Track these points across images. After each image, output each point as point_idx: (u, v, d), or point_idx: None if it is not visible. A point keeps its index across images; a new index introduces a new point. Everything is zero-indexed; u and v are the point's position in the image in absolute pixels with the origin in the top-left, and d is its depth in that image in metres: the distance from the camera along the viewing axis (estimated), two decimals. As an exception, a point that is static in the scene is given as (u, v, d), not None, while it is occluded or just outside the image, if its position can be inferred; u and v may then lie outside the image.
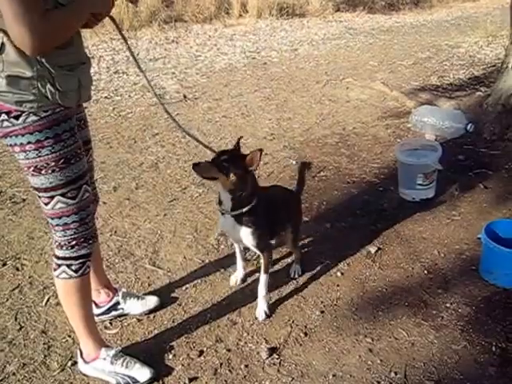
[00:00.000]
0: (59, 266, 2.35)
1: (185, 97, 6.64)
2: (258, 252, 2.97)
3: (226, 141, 5.29)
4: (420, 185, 3.88)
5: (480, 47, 8.01)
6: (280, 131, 5.43)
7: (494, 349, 2.67)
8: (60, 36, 1.99)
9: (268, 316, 2.96)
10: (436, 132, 4.87)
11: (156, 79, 7.30)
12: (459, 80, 6.39)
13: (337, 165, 4.62)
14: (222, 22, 10.69)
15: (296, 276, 3.27)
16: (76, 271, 2.35)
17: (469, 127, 4.79)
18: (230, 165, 2.63)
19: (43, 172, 2.13)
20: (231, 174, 2.63)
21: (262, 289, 2.99)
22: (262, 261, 2.97)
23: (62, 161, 2.14)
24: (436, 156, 3.85)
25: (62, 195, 2.19)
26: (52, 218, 2.26)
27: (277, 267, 3.36)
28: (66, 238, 2.28)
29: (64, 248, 2.31)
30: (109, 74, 7.44)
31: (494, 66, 6.63)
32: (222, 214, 2.85)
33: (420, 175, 3.83)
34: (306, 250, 3.50)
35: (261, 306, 2.98)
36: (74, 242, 2.29)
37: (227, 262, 3.39)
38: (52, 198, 2.19)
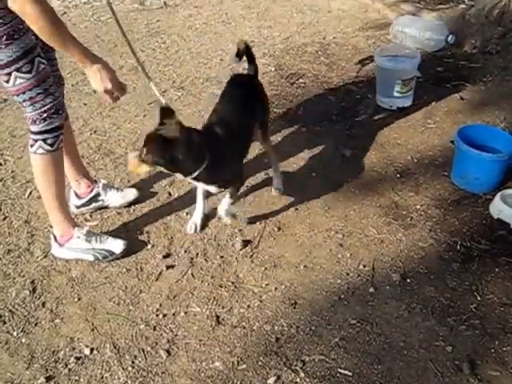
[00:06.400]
0: (36, 141, 2.46)
1: (165, 4, 6.48)
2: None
3: (206, 47, 5.23)
4: (398, 92, 3.88)
5: (467, -39, 7.86)
6: (260, 39, 5.36)
7: (458, 247, 2.79)
8: (40, 25, 2.12)
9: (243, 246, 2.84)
10: (416, 44, 4.82)
11: (136, -13, 7.12)
12: (443, -7, 6.31)
13: (316, 73, 4.60)
14: None
15: (278, 192, 3.18)
16: (52, 145, 2.46)
17: (449, 39, 4.75)
18: (155, 156, 2.39)
19: None
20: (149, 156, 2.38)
21: (223, 204, 2.81)
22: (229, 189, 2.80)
23: (4, 38, 2.20)
24: (415, 62, 3.85)
25: (18, 70, 2.27)
26: (17, 95, 2.35)
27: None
28: (36, 111, 2.38)
29: (37, 122, 2.40)
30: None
31: (479, -20, 6.51)
32: None
33: (398, 81, 3.82)
34: (280, 152, 3.52)
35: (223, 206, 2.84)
36: (45, 115, 2.39)
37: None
38: (9, 74, 2.28)
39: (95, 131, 3.88)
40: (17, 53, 2.24)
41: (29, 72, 2.29)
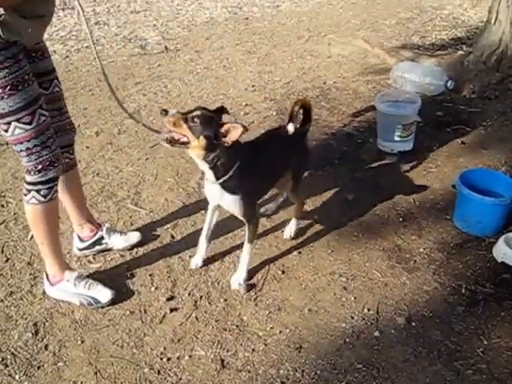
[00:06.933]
0: (29, 191, 2.46)
1: (166, 48, 6.59)
2: (244, 220, 2.77)
3: (207, 91, 5.30)
4: (399, 136, 3.93)
5: (464, 9, 7.91)
6: (261, 83, 5.44)
7: (463, 291, 2.78)
8: None
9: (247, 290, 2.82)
10: (416, 89, 4.90)
11: (137, 31, 7.23)
12: (441, 40, 6.40)
13: (316, 117, 4.64)
14: (203, -25, 10.51)
15: (288, 237, 3.19)
16: (45, 196, 2.46)
17: (449, 84, 4.83)
18: (200, 125, 2.38)
19: None
20: (201, 137, 2.39)
21: (244, 258, 2.84)
22: (246, 229, 2.81)
23: (8, 88, 2.20)
24: (415, 107, 3.91)
25: (17, 121, 2.26)
26: (15, 145, 2.34)
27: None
28: (31, 162, 2.37)
29: (32, 173, 2.40)
30: (89, 24, 7.33)
31: (477, 28, 6.60)
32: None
33: (399, 126, 3.88)
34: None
35: (238, 276, 2.84)
36: (40, 167, 2.39)
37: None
38: (9, 124, 2.27)
39: (98, 174, 3.90)
40: (19, 104, 2.23)
41: (29, 123, 2.28)
